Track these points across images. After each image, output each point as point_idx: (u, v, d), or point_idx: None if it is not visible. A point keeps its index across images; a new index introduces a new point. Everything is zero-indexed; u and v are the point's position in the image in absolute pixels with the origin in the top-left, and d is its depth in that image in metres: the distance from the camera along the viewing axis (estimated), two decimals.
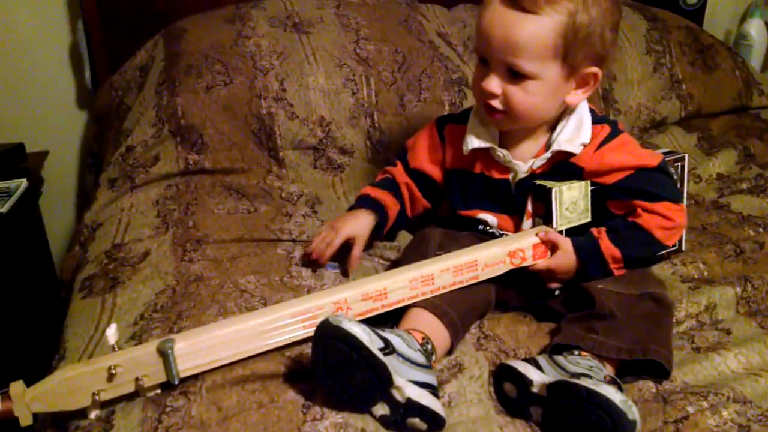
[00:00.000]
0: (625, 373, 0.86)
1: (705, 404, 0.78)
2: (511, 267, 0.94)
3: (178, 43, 1.46)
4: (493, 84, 0.92)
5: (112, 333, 0.76)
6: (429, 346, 0.83)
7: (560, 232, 0.97)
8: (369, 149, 1.41)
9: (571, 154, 0.97)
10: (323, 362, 0.73)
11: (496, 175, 1.01)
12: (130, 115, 1.43)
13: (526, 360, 0.81)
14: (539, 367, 0.79)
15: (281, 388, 0.77)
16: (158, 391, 0.77)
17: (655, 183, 0.97)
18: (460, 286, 0.91)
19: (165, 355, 0.75)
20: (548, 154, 0.97)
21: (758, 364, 0.86)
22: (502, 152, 0.99)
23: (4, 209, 1.37)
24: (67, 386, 0.73)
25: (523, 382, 0.76)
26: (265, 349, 0.81)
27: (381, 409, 0.74)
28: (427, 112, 1.45)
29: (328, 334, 0.73)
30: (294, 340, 0.82)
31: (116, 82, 1.55)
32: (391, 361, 0.73)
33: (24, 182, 1.48)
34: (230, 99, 1.36)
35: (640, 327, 0.87)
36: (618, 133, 0.98)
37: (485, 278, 0.93)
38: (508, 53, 0.90)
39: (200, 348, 0.77)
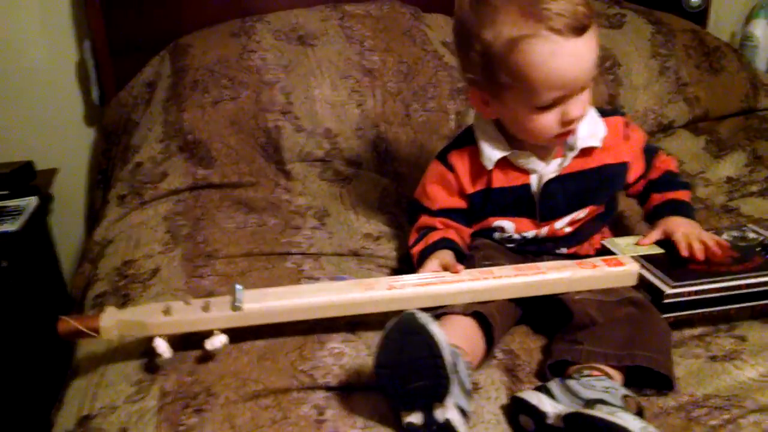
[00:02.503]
0: (632, 383, 0.83)
1: (727, 416, 0.77)
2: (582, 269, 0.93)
3: (184, 58, 1.47)
4: (581, 108, 0.90)
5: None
6: (470, 370, 0.82)
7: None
8: (376, 160, 1.41)
9: (592, 149, 0.98)
10: (395, 352, 0.72)
11: (516, 182, 0.99)
12: (138, 131, 1.44)
13: (538, 388, 0.79)
14: (552, 395, 0.77)
15: (294, 404, 0.76)
16: (223, 338, 0.83)
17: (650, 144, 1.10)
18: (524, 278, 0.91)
19: (234, 288, 0.85)
20: (575, 153, 0.97)
21: None
22: (525, 155, 0.97)
23: (16, 227, 1.38)
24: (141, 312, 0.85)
25: (538, 414, 0.75)
26: (321, 305, 0.87)
27: (414, 418, 0.73)
28: (433, 122, 1.46)
29: (414, 329, 0.71)
30: (348, 303, 0.87)
31: (124, 99, 1.56)
32: (453, 380, 0.73)
33: (34, 200, 1.48)
34: (237, 113, 1.36)
35: (624, 331, 0.85)
36: (625, 115, 1.04)
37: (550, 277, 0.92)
38: (588, 78, 0.88)
39: (266, 294, 0.88)
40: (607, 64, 1.60)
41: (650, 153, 1.07)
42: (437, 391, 0.72)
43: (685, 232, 0.97)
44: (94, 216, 1.63)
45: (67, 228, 1.78)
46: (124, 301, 0.99)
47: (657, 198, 1.05)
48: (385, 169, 1.41)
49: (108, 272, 1.09)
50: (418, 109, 1.45)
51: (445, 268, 0.92)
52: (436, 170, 1.04)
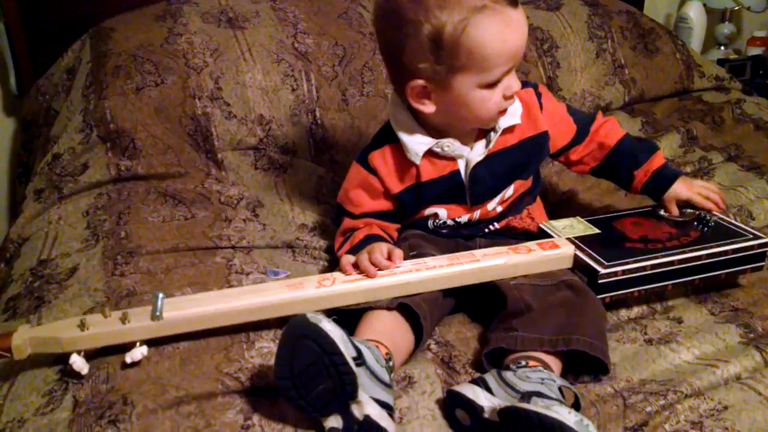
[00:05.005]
0: (569, 369, 0.83)
1: (663, 402, 0.76)
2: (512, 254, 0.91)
3: (106, 43, 1.39)
4: (518, 81, 0.91)
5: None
6: (391, 363, 0.79)
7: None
8: (312, 147, 1.37)
9: (513, 125, 0.97)
10: (289, 361, 0.69)
11: (445, 171, 0.97)
12: (58, 120, 1.36)
13: (474, 381, 0.77)
14: (488, 388, 0.74)
15: (218, 410, 0.72)
16: (144, 350, 0.78)
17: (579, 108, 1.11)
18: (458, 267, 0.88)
19: (155, 296, 0.79)
20: (498, 133, 0.96)
21: (713, 353, 0.85)
22: (450, 142, 0.95)
23: None
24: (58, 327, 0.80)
25: (474, 409, 0.72)
26: (246, 308, 0.83)
27: (334, 422, 0.70)
28: (371, 107, 1.42)
29: (303, 332, 0.68)
30: (275, 304, 0.84)
31: (43, 86, 1.47)
32: (360, 374, 0.70)
33: None
34: (162, 100, 1.29)
35: (559, 315, 0.84)
36: (537, 86, 1.03)
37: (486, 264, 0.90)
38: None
39: (188, 300, 0.83)
40: (546, 47, 1.59)
41: (585, 122, 1.06)
42: (345, 390, 0.69)
43: (692, 193, 1.03)
44: (17, 213, 1.54)
45: None
46: (38, 304, 0.92)
47: (641, 175, 1.05)
48: (322, 157, 1.36)
49: (22, 273, 1.02)
50: (355, 94, 1.41)
51: (389, 256, 0.89)
52: (357, 174, 1.00)
